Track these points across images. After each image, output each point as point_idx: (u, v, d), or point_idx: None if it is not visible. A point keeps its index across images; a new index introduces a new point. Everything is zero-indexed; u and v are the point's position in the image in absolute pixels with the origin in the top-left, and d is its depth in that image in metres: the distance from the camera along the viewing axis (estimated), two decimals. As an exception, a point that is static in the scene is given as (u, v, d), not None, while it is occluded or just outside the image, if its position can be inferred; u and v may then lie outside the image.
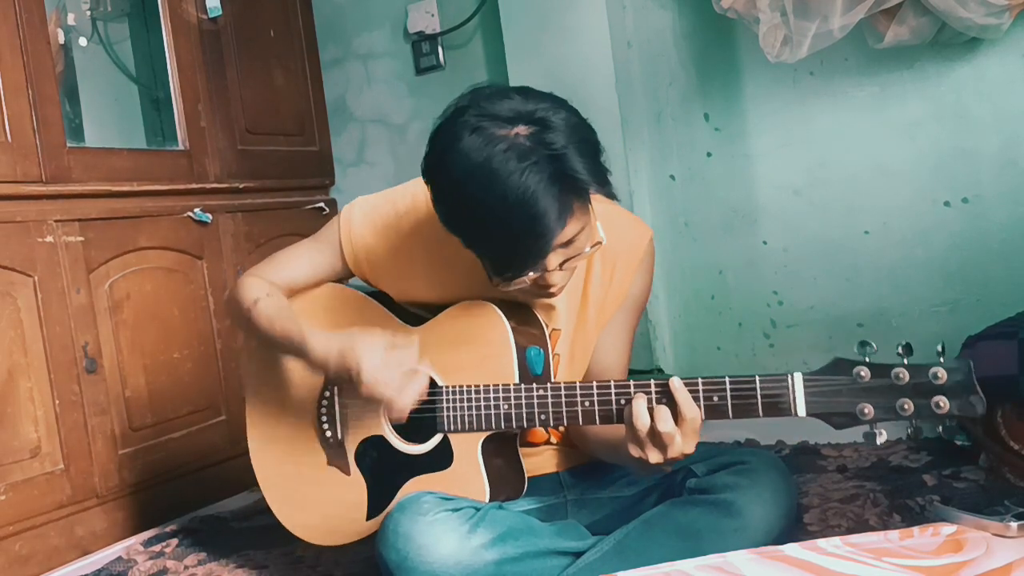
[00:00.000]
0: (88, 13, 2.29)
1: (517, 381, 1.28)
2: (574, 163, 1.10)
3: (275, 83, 2.56)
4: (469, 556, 1.21)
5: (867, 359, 1.10)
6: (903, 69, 2.01)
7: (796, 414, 1.12)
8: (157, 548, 1.88)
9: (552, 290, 1.23)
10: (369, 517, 1.36)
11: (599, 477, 1.43)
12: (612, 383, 1.20)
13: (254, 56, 2.49)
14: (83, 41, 2.26)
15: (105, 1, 2.31)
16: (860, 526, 1.47)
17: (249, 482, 2.11)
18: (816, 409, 1.11)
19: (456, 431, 1.30)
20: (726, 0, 1.97)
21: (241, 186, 2.38)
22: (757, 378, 1.13)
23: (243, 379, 1.56)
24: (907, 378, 1.07)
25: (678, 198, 2.30)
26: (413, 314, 1.39)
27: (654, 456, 1.15)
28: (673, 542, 1.23)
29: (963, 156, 1.97)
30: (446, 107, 1.18)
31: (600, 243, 1.22)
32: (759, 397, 1.13)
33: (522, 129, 1.11)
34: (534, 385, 1.25)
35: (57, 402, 1.89)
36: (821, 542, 1.13)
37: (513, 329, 1.30)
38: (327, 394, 1.42)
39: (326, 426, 1.42)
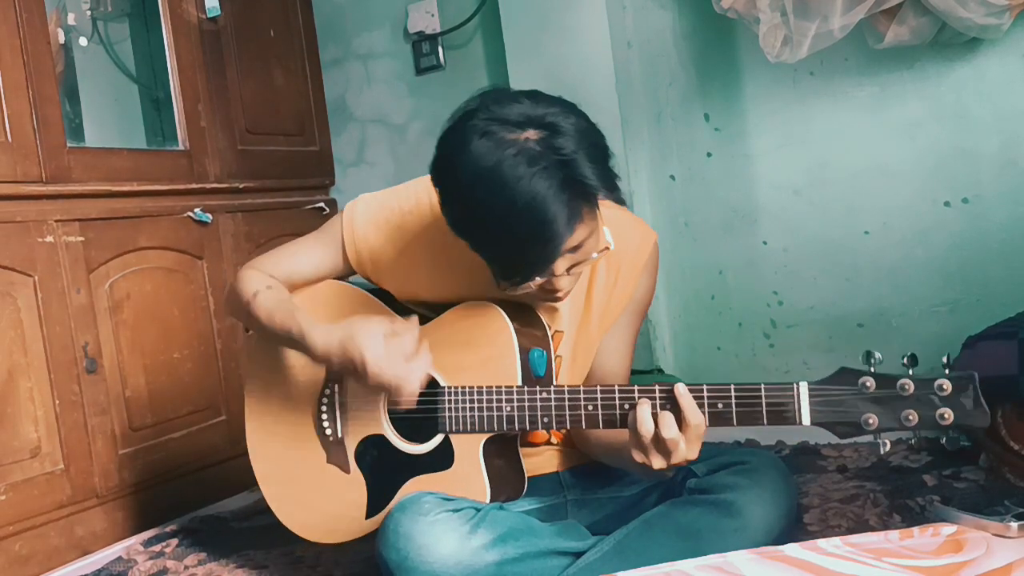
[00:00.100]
0: (88, 13, 2.29)
1: (520, 383, 1.28)
2: (583, 169, 1.10)
3: (275, 83, 2.56)
4: (469, 556, 1.21)
5: (872, 369, 1.10)
6: (903, 69, 2.01)
7: (801, 423, 1.12)
8: (157, 548, 1.88)
9: (559, 294, 1.23)
10: (368, 516, 1.36)
11: (599, 477, 1.43)
12: (616, 388, 1.20)
13: (254, 56, 2.49)
14: (83, 41, 2.26)
15: (105, 1, 2.31)
16: (860, 526, 1.47)
17: (249, 482, 2.11)
18: (821, 418, 1.12)
19: (458, 432, 1.30)
20: (726, 0, 1.97)
21: (241, 186, 2.38)
22: (763, 386, 1.13)
23: (244, 376, 1.56)
24: (912, 389, 1.08)
25: (678, 198, 2.30)
26: (415, 313, 1.39)
27: (657, 462, 1.15)
28: (673, 542, 1.23)
29: (963, 156, 1.97)
30: (455, 110, 1.18)
31: (607, 248, 1.22)
32: (764, 405, 1.13)
33: (531, 134, 1.10)
34: (537, 388, 1.25)
35: (57, 402, 1.89)
36: (821, 542, 1.13)
37: (516, 331, 1.30)
38: (327, 392, 1.42)
39: (326, 424, 1.42)
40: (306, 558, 1.69)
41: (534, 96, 1.15)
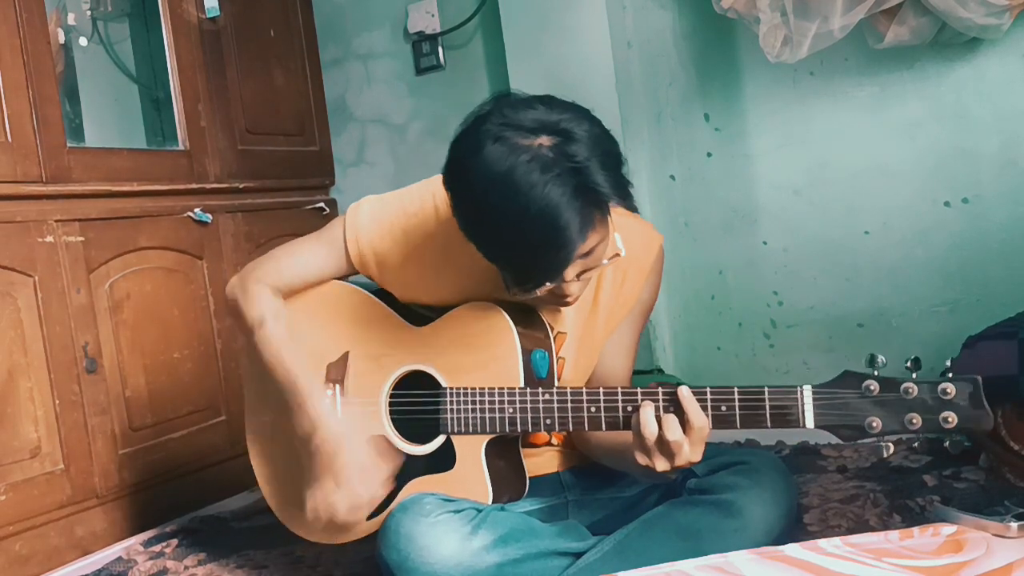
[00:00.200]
0: (88, 13, 2.29)
1: (522, 384, 1.28)
2: (596, 176, 1.09)
3: (275, 83, 2.56)
4: (470, 558, 1.21)
5: (876, 372, 1.10)
6: (903, 69, 2.01)
7: (804, 426, 1.13)
8: (157, 548, 1.88)
9: (568, 299, 1.23)
10: (370, 516, 1.36)
11: (600, 477, 1.43)
12: (619, 390, 1.21)
13: (254, 56, 2.49)
14: (83, 41, 2.26)
15: (105, 1, 2.31)
16: (860, 526, 1.47)
17: (249, 482, 2.11)
18: (824, 422, 1.12)
19: (459, 433, 1.30)
20: (726, 0, 1.97)
21: (241, 186, 2.38)
22: (766, 390, 1.14)
23: (244, 376, 1.56)
24: (916, 392, 1.08)
25: (678, 198, 2.30)
26: (418, 314, 1.39)
27: (661, 464, 1.15)
28: (673, 542, 1.23)
29: (963, 156, 1.97)
30: (469, 113, 1.17)
31: (618, 255, 1.22)
32: (768, 408, 1.13)
33: (545, 140, 1.09)
34: (540, 389, 1.25)
35: (57, 402, 1.89)
36: (821, 542, 1.13)
37: (519, 332, 1.30)
38: (328, 392, 1.42)
39: (327, 425, 1.42)
40: (306, 558, 1.69)
41: (548, 102, 1.14)
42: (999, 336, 1.64)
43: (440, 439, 1.32)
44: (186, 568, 1.75)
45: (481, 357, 1.30)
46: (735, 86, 2.20)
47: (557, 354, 1.36)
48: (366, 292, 1.44)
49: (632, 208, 1.16)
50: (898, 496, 1.57)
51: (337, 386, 1.41)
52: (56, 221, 1.92)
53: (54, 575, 1.84)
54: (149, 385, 2.08)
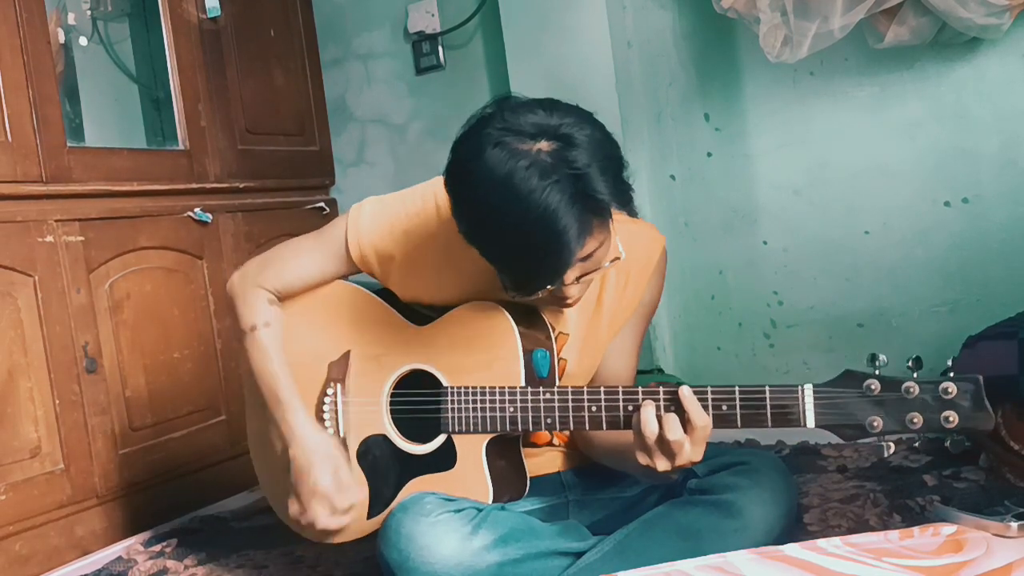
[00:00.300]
0: (88, 13, 2.28)
1: (523, 383, 1.28)
2: (596, 183, 1.09)
3: (275, 83, 2.56)
4: (471, 557, 1.21)
5: (877, 372, 1.10)
6: (903, 69, 2.01)
7: (805, 425, 1.12)
8: (157, 548, 1.88)
9: (568, 301, 1.23)
10: (370, 516, 1.36)
11: (601, 477, 1.43)
12: (620, 389, 1.20)
13: (254, 56, 2.49)
14: (83, 41, 2.26)
15: (105, 1, 2.31)
16: (860, 526, 1.47)
17: (249, 482, 2.12)
18: (825, 421, 1.12)
19: (460, 432, 1.30)
20: (726, 0, 1.97)
21: (241, 186, 2.38)
22: (767, 389, 1.14)
23: (244, 377, 1.56)
24: (917, 392, 1.08)
25: (678, 198, 2.30)
26: (419, 313, 1.39)
27: (662, 464, 1.15)
28: (674, 542, 1.23)
29: (963, 156, 1.97)
30: (471, 115, 1.17)
31: (618, 258, 1.22)
32: (768, 408, 1.13)
33: (545, 145, 1.09)
34: (541, 388, 1.25)
35: (57, 402, 1.89)
36: (821, 542, 1.13)
37: (520, 332, 1.30)
38: (329, 391, 1.42)
39: (327, 423, 1.41)
40: (306, 558, 1.69)
41: (550, 105, 1.13)
42: (999, 336, 1.64)
43: (441, 438, 1.32)
44: (186, 568, 1.75)
45: (482, 357, 1.30)
46: (735, 86, 2.20)
47: (559, 355, 1.36)
48: (367, 291, 1.44)
49: (633, 213, 1.16)
50: (898, 496, 1.57)
51: (338, 385, 1.41)
52: (56, 221, 1.92)
53: (54, 575, 1.84)
54: (149, 385, 2.08)
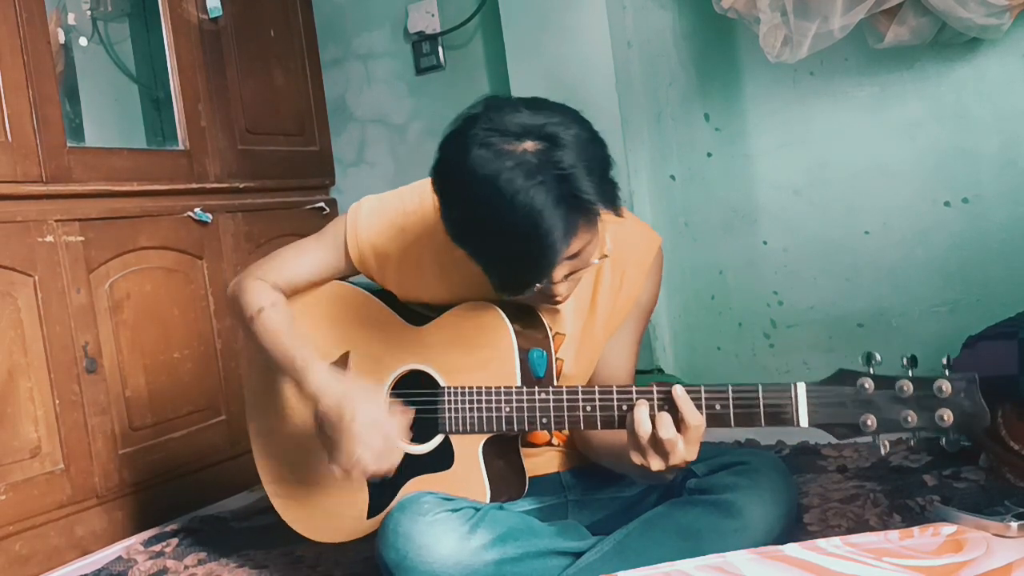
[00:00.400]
0: (88, 13, 2.29)
1: (519, 383, 1.28)
2: (581, 183, 1.08)
3: (275, 83, 2.56)
4: (469, 556, 1.21)
5: (871, 370, 1.10)
6: (903, 69, 2.01)
7: (798, 424, 1.12)
8: (157, 548, 1.88)
9: (558, 299, 1.23)
10: (370, 516, 1.36)
11: (600, 477, 1.43)
12: (614, 388, 1.20)
13: (254, 56, 2.49)
14: (83, 41, 2.26)
15: (105, 1, 2.31)
16: (860, 526, 1.47)
17: (249, 482, 2.12)
18: (818, 420, 1.11)
19: (457, 432, 1.30)
20: (726, 0, 1.97)
21: (241, 186, 2.38)
22: (760, 387, 1.13)
23: (245, 376, 1.56)
24: (911, 390, 1.07)
25: (678, 198, 2.30)
26: (417, 313, 1.39)
27: (656, 463, 1.15)
28: (673, 542, 1.23)
29: (963, 156, 1.97)
30: (457, 115, 1.17)
31: (606, 256, 1.22)
32: (761, 406, 1.13)
33: (530, 145, 1.09)
34: (536, 388, 1.25)
35: (57, 402, 1.89)
36: (821, 542, 1.13)
37: (516, 331, 1.30)
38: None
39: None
40: (306, 558, 1.69)
41: (535, 105, 1.14)
42: (999, 336, 1.64)
43: (438, 438, 1.32)
44: (186, 568, 1.75)
45: (479, 356, 1.31)
46: (735, 86, 2.20)
47: (556, 355, 1.36)
48: (366, 292, 1.44)
49: (619, 214, 1.16)
50: (898, 496, 1.57)
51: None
52: (56, 221, 1.92)
53: (54, 575, 1.84)
54: (149, 385, 2.09)
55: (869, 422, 1.09)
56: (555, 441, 1.44)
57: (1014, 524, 1.17)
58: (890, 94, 2.03)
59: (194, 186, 2.25)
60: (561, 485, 1.45)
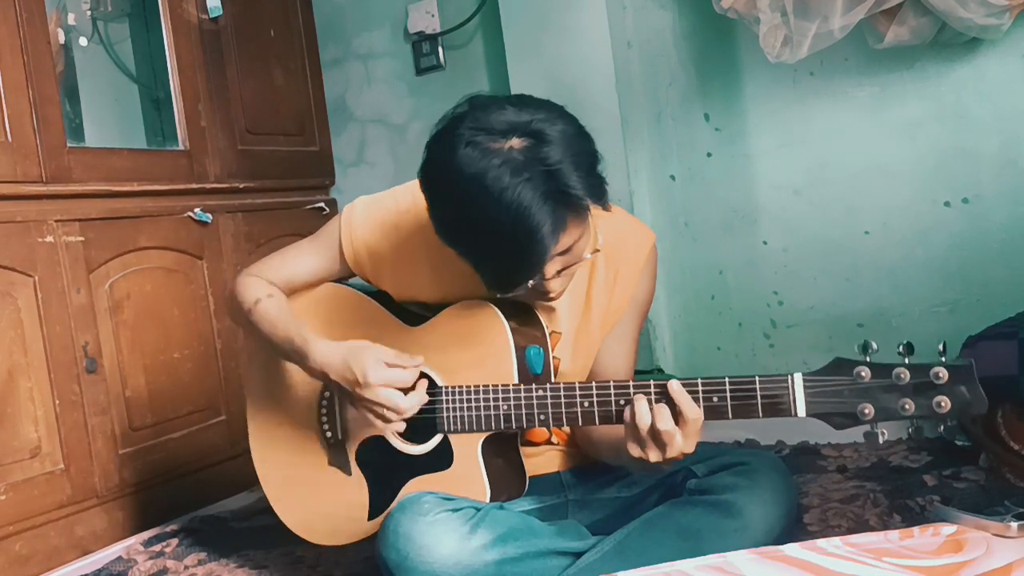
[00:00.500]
0: (88, 13, 2.29)
1: (516, 381, 1.28)
2: (569, 179, 1.09)
3: (275, 83, 2.56)
4: (469, 556, 1.21)
5: (868, 359, 1.09)
6: (903, 69, 2.01)
7: (796, 415, 1.12)
8: (157, 548, 1.88)
9: (551, 295, 1.23)
10: (371, 517, 1.36)
11: (600, 477, 1.43)
12: (612, 383, 1.20)
13: (254, 56, 2.49)
14: (83, 41, 2.26)
15: (105, 1, 2.31)
16: (860, 526, 1.47)
17: (249, 482, 2.12)
18: (816, 410, 1.11)
19: (456, 431, 1.30)
20: (726, 0, 1.97)
21: (241, 186, 2.38)
22: (757, 379, 1.13)
23: (244, 378, 1.56)
24: (908, 378, 1.07)
25: (678, 198, 2.30)
26: (413, 313, 1.39)
27: (654, 455, 1.15)
28: (673, 542, 1.23)
29: (963, 156, 1.97)
30: (442, 115, 1.17)
31: (598, 251, 1.22)
32: (759, 398, 1.13)
33: (516, 142, 1.10)
34: (533, 385, 1.25)
35: (57, 402, 1.89)
36: (821, 542, 1.13)
37: (512, 329, 1.30)
38: (327, 394, 1.42)
39: (326, 427, 1.42)
40: (306, 558, 1.69)
41: (520, 102, 1.14)
42: (999, 336, 1.64)
43: (437, 438, 1.32)
44: (186, 568, 1.75)
45: (476, 355, 1.31)
46: (735, 86, 2.20)
47: (552, 353, 1.36)
48: (361, 294, 1.44)
49: (606, 208, 1.16)
50: (898, 496, 1.57)
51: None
52: (56, 221, 1.92)
53: (54, 575, 1.84)
54: (149, 385, 2.09)
55: (867, 411, 1.08)
56: (555, 440, 1.44)
57: (1014, 524, 1.17)
58: (890, 94, 2.03)
59: (194, 186, 2.25)
60: (561, 485, 1.45)
